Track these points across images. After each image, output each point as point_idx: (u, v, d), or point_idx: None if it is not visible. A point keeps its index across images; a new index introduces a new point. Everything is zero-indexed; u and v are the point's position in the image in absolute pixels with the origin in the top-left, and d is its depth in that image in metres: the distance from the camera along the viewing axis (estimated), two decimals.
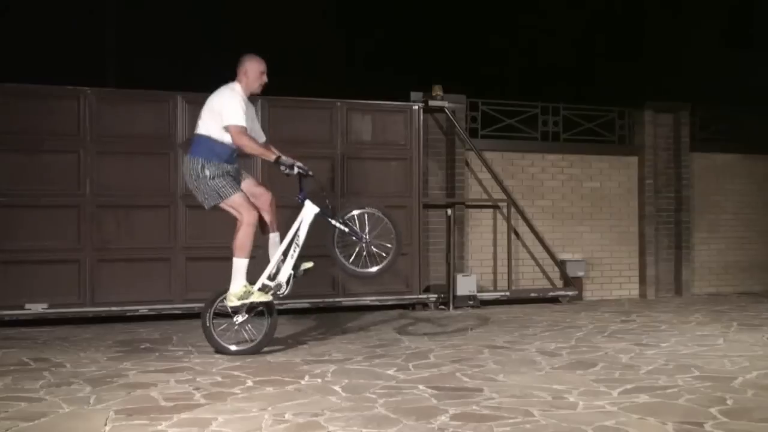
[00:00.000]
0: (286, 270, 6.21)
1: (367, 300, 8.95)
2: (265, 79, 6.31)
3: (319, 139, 8.93)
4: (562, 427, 3.99)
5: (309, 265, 6.31)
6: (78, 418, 4.23)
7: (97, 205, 8.09)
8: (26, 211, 7.88)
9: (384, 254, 6.32)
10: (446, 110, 9.55)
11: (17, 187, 7.87)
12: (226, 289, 6.20)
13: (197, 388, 4.90)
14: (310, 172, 6.27)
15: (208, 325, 6.22)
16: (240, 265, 6.10)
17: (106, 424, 4.07)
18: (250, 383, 5.06)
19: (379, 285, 9.00)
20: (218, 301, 6.26)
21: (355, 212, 6.35)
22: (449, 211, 9.33)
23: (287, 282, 6.23)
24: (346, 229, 6.24)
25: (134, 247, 8.20)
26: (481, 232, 9.96)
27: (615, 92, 11.96)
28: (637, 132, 10.80)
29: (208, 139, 6.13)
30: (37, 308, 7.79)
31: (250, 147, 6.10)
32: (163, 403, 4.52)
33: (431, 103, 9.43)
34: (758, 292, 10.98)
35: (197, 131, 6.23)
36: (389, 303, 9.08)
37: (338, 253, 6.28)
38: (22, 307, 7.76)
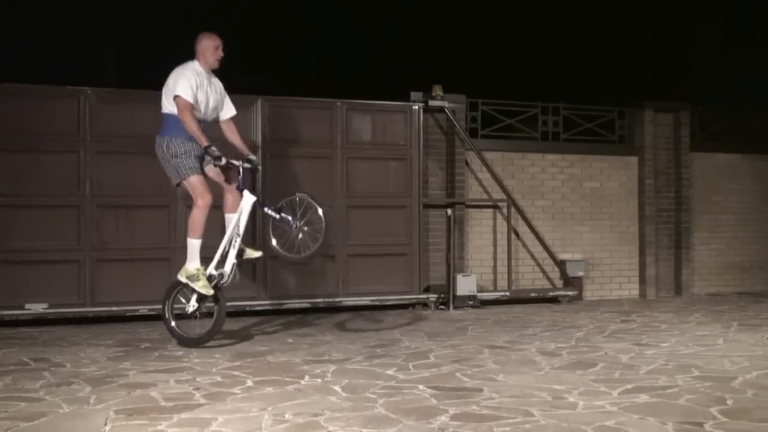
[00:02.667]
0: (230, 260, 6.50)
1: (367, 300, 8.95)
2: (220, 53, 6.55)
3: (319, 139, 8.93)
4: (562, 427, 3.99)
5: (256, 254, 6.63)
6: (78, 418, 4.23)
7: (97, 205, 8.09)
8: (26, 211, 7.87)
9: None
10: (446, 110, 9.55)
11: (17, 187, 7.87)
12: (178, 282, 6.52)
13: (197, 388, 4.89)
14: (246, 165, 6.53)
15: (167, 316, 6.55)
16: (193, 245, 6.41)
17: (106, 424, 4.06)
18: (250, 383, 5.06)
19: (380, 285, 9.02)
20: (174, 292, 6.58)
21: (287, 199, 6.61)
22: (449, 211, 9.33)
23: (231, 270, 6.50)
24: (278, 217, 6.45)
25: (134, 247, 8.20)
26: (481, 232, 9.97)
27: (615, 92, 11.95)
28: (637, 132, 10.80)
29: (170, 116, 6.39)
30: (37, 308, 7.79)
31: (188, 122, 6.23)
32: (163, 403, 4.52)
33: (431, 103, 9.43)
34: (758, 292, 10.98)
35: (162, 111, 6.47)
36: (389, 303, 9.08)
37: (274, 240, 6.57)
38: (22, 307, 7.76)
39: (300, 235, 6.43)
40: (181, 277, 6.47)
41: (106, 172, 8.13)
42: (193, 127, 6.24)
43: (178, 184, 6.51)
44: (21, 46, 12.58)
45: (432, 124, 9.65)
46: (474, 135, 9.91)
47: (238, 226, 6.49)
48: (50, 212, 7.93)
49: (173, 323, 6.55)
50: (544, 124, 10.35)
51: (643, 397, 4.62)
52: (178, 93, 6.27)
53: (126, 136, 8.17)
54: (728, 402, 4.51)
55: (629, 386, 4.92)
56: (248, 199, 6.50)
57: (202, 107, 6.45)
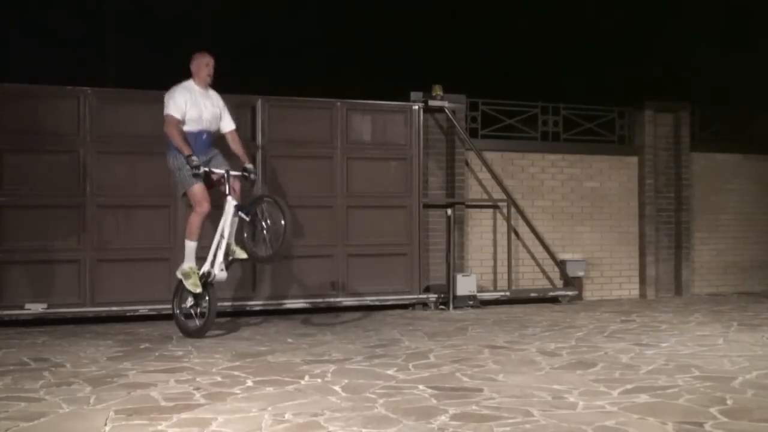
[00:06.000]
0: (218, 260, 6.96)
1: (367, 300, 8.96)
2: (210, 70, 7.06)
3: (319, 139, 8.93)
4: (562, 427, 3.99)
5: (242, 255, 6.99)
6: (78, 418, 4.22)
7: (97, 205, 8.10)
8: (26, 211, 7.87)
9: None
10: (446, 110, 9.55)
11: (17, 187, 7.87)
12: (180, 280, 7.02)
13: (197, 388, 4.89)
14: (233, 173, 6.95)
15: (176, 311, 7.13)
16: (189, 246, 6.95)
17: (106, 424, 4.06)
18: (250, 383, 5.06)
19: (380, 285, 9.02)
20: (179, 289, 7.08)
21: (258, 204, 6.99)
22: (449, 211, 9.33)
23: (218, 270, 6.94)
24: (247, 219, 6.87)
25: (134, 247, 8.21)
26: (481, 232, 9.97)
27: (615, 92, 11.96)
28: (637, 132, 10.81)
29: None
30: (37, 308, 7.79)
31: (171, 134, 6.79)
32: (163, 403, 4.52)
33: (431, 103, 9.44)
34: (758, 292, 10.98)
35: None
36: (389, 303, 9.08)
37: (246, 240, 6.99)
38: (22, 307, 7.76)
39: (268, 236, 6.80)
40: (178, 275, 7.01)
41: (106, 172, 8.13)
42: (176, 139, 6.76)
43: (184, 194, 6.99)
44: (22, 46, 12.59)
45: (432, 124, 9.65)
46: (474, 135, 9.91)
47: (224, 229, 6.93)
48: (50, 212, 7.93)
49: (180, 315, 7.09)
50: (544, 124, 10.35)
51: (643, 397, 4.62)
52: (166, 112, 6.85)
53: (126, 136, 8.18)
54: (728, 402, 4.51)
55: (629, 386, 4.92)
56: (229, 204, 6.95)
57: (195, 119, 6.92)
